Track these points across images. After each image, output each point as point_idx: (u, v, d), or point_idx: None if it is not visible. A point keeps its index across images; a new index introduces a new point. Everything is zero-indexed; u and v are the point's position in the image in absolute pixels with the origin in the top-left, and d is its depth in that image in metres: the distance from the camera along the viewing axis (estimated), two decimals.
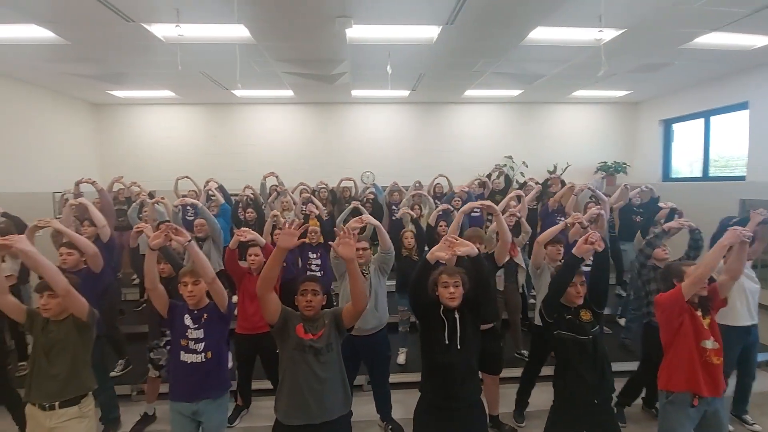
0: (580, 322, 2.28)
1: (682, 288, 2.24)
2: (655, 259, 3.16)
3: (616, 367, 3.74)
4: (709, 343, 2.23)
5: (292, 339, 2.02)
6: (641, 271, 3.21)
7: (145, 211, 4.67)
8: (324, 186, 6.53)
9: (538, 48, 4.69)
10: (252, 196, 5.94)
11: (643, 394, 3.42)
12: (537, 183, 5.62)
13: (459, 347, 2.11)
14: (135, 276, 5.14)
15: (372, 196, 6.18)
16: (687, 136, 7.26)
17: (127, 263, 5.05)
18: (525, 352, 4.10)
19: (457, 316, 2.14)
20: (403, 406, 3.37)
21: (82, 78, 5.57)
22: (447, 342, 2.11)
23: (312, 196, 5.62)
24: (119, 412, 3.32)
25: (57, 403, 2.13)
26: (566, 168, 7.72)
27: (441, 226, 4.27)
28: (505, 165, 7.76)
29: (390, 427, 3.19)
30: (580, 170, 7.86)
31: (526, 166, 7.70)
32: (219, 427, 2.30)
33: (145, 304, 3.27)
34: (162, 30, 4.11)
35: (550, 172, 7.72)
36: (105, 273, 3.17)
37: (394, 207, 6.51)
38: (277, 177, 6.31)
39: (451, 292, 2.12)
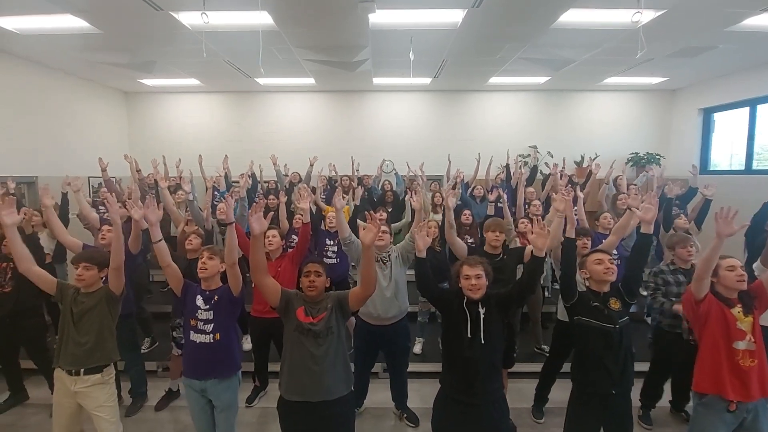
0: (608, 311, 2.20)
1: (690, 287, 2.18)
2: (679, 260, 3.01)
3: (640, 367, 3.67)
4: (743, 344, 2.08)
5: (293, 321, 2.07)
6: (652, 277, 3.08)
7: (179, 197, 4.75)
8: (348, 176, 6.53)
9: (569, 32, 4.49)
10: (274, 184, 6.04)
11: (670, 397, 3.29)
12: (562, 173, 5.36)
13: (483, 342, 2.03)
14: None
15: (389, 186, 6.14)
16: (729, 126, 6.82)
17: None
18: (545, 347, 4.02)
19: (481, 309, 2.07)
20: (419, 395, 3.37)
21: (114, 67, 5.75)
22: (470, 336, 2.05)
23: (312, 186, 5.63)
24: (147, 387, 3.48)
25: (82, 370, 2.26)
26: (594, 159, 7.40)
27: (465, 214, 4.22)
28: (529, 155, 7.55)
29: (405, 415, 3.20)
30: (609, 162, 7.43)
31: (551, 157, 7.45)
32: (229, 406, 2.34)
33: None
34: (188, 18, 4.18)
35: (577, 164, 7.46)
36: (136, 254, 3.29)
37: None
38: (285, 166, 6.32)
39: (473, 284, 2.06)
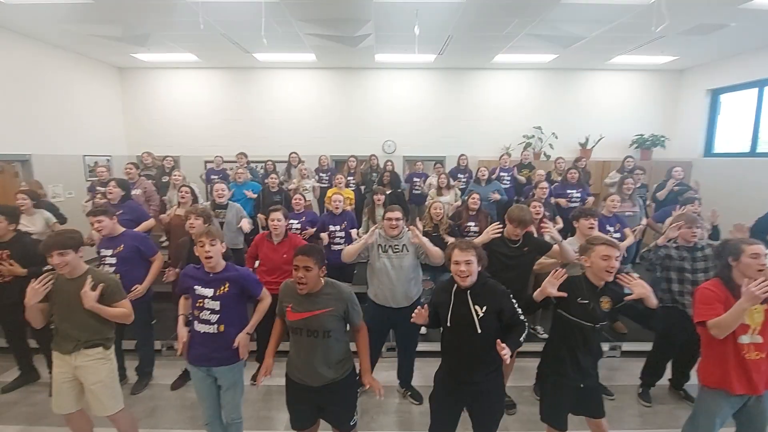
0: (594, 309, 2.13)
1: (708, 324, 2.04)
2: (683, 239, 3.01)
3: (639, 347, 3.72)
4: (746, 338, 2.05)
5: (286, 321, 2.09)
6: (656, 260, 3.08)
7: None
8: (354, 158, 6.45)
9: (579, 6, 4.33)
10: (272, 165, 6.03)
11: (669, 375, 3.34)
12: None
13: (480, 332, 1.98)
14: (164, 238, 5.27)
15: (390, 167, 6.06)
16: (736, 107, 6.71)
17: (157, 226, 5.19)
18: (539, 328, 4.05)
19: (480, 309, 1.99)
20: (422, 374, 3.40)
21: (107, 40, 5.53)
22: (449, 324, 2.04)
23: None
24: (153, 366, 3.50)
25: (82, 346, 2.23)
26: (599, 140, 7.34)
27: (472, 198, 4.16)
28: (533, 136, 7.45)
29: (409, 393, 3.24)
30: (614, 143, 7.46)
31: (556, 138, 7.36)
32: (234, 385, 2.32)
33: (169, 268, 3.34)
34: None
35: (582, 145, 7.38)
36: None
37: (416, 179, 6.40)
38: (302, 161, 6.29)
39: (461, 270, 1.97)
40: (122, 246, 3.07)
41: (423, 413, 2.95)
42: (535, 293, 2.19)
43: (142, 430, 2.64)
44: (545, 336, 3.78)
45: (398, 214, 2.87)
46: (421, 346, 3.67)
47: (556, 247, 2.91)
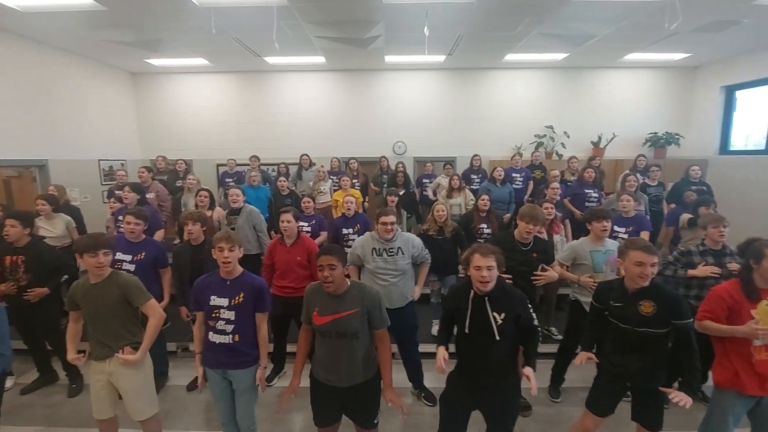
0: (628, 312, 2.09)
1: (700, 324, 2.17)
2: (710, 240, 2.92)
3: None
4: (759, 342, 2.04)
5: (314, 324, 2.07)
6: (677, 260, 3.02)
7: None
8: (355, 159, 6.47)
9: (591, 4, 4.29)
10: (285, 167, 6.05)
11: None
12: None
13: (498, 339, 1.94)
14: (177, 240, 5.33)
15: (402, 168, 6.05)
16: (752, 104, 6.57)
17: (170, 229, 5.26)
18: (553, 329, 4.01)
19: (498, 315, 1.95)
20: (436, 375, 3.36)
21: (121, 45, 5.63)
22: (467, 331, 1.99)
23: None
24: (168, 366, 3.54)
25: (114, 352, 2.24)
26: (611, 139, 7.25)
27: (482, 199, 4.13)
28: (545, 135, 7.39)
29: (423, 395, 3.22)
30: (627, 141, 7.36)
31: (568, 137, 7.29)
32: (249, 388, 2.32)
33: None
34: None
35: (594, 144, 7.30)
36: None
37: (425, 180, 6.38)
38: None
39: (483, 276, 1.91)
40: (143, 254, 3.10)
41: (435, 415, 2.92)
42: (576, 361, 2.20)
43: None
44: (559, 337, 3.75)
45: (393, 218, 2.91)
46: (434, 348, 3.65)
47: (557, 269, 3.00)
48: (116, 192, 4.78)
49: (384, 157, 6.51)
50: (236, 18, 4.71)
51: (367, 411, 2.15)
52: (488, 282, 1.93)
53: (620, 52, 6.37)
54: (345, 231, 3.96)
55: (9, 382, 3.37)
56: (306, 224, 4.06)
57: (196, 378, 3.38)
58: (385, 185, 6.05)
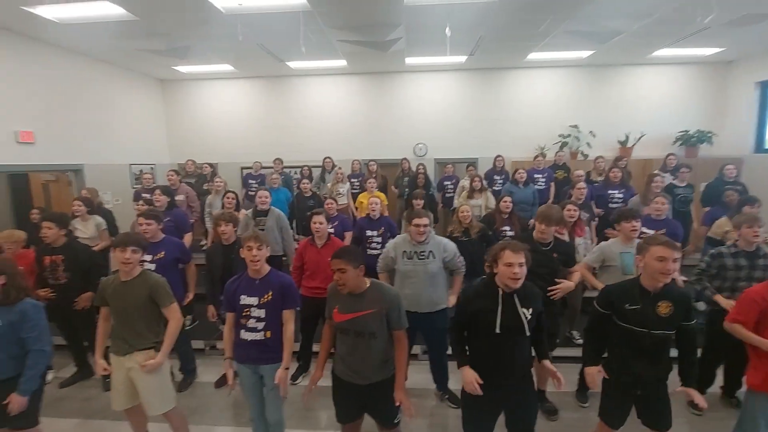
0: (646, 314, 1.99)
1: (729, 325, 2.19)
2: (744, 241, 2.79)
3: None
4: None
5: (334, 321, 2.12)
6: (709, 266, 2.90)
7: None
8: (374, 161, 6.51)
9: (618, 0, 4.17)
10: (308, 170, 6.14)
11: (722, 383, 3.14)
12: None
13: (528, 334, 1.95)
14: (203, 241, 5.48)
15: (422, 169, 6.04)
16: None
17: (198, 230, 5.42)
18: (575, 333, 3.90)
19: (526, 311, 1.95)
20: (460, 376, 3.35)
21: (151, 54, 5.85)
22: (498, 331, 1.94)
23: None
24: (196, 363, 3.64)
25: (134, 350, 2.34)
26: (640, 138, 7.03)
27: (505, 201, 4.08)
28: (570, 135, 7.23)
29: (447, 396, 3.20)
30: (657, 140, 7.12)
31: (593, 136, 7.12)
32: (278, 386, 2.33)
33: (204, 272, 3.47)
34: (222, 1, 4.16)
35: (621, 143, 7.10)
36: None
37: (446, 183, 6.35)
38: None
39: (515, 273, 1.89)
40: (164, 253, 3.20)
41: (459, 417, 2.91)
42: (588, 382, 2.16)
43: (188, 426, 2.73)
44: (581, 341, 3.66)
45: (426, 220, 2.86)
46: None
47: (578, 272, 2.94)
48: (143, 195, 4.95)
49: (405, 159, 6.51)
50: (261, 24, 4.82)
51: (386, 410, 2.15)
52: (520, 279, 1.92)
53: (649, 48, 6.18)
54: (369, 233, 3.96)
55: (48, 376, 3.53)
56: (329, 225, 4.10)
57: (224, 375, 3.51)
58: (407, 188, 6.05)
